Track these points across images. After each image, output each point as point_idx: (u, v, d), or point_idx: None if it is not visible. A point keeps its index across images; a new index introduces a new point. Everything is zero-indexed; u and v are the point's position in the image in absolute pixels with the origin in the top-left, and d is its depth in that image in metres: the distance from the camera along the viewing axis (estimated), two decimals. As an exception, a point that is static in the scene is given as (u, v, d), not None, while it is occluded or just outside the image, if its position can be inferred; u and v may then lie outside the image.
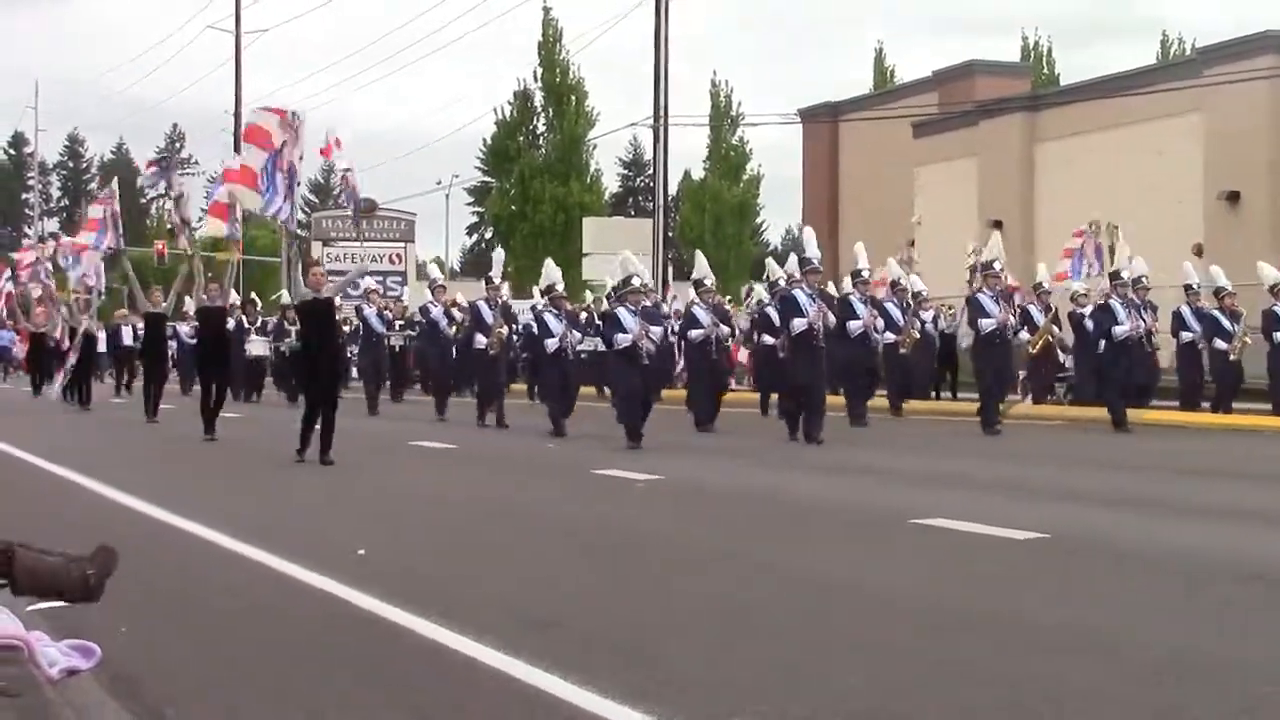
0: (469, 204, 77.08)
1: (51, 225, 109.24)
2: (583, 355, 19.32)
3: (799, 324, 16.75)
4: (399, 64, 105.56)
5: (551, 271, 19.53)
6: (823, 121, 45.64)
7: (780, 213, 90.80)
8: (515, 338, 23.36)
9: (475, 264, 71.02)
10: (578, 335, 19.26)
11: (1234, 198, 30.85)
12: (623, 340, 16.36)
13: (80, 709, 5.07)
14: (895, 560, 8.24)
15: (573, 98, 56.35)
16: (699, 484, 12.75)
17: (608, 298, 19.84)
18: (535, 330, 21.17)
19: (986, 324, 18.32)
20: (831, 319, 17.31)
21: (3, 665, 5.40)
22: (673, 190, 56.94)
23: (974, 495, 11.50)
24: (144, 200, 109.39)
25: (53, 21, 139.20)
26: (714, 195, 57.71)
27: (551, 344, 18.57)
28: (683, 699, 4.98)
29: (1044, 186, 36.73)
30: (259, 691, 5.29)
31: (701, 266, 20.10)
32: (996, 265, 19.56)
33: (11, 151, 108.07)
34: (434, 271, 26.34)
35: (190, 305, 24.20)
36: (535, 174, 55.50)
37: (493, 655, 5.65)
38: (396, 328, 27.28)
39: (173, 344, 27.75)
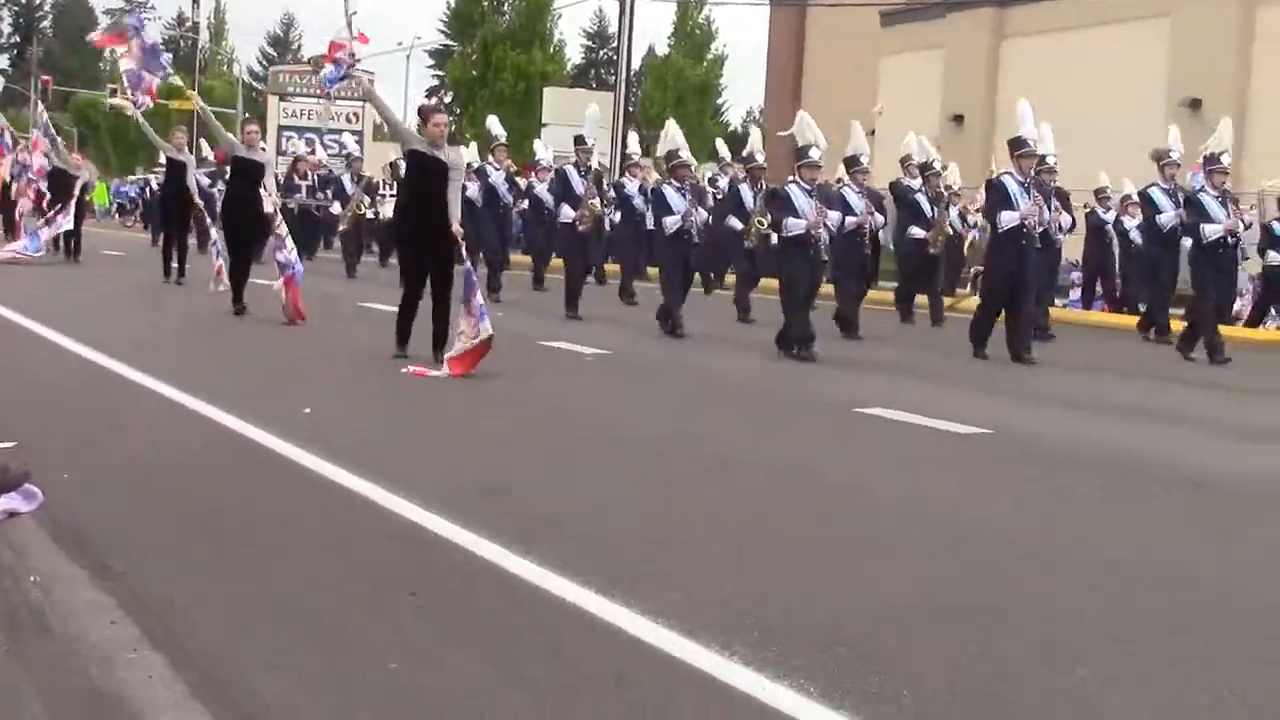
0: (429, 67, 76.19)
1: (2, 62, 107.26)
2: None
3: (1010, 218, 14.18)
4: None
5: (675, 134, 16.06)
6: (791, 4, 45.22)
7: (741, 94, 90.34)
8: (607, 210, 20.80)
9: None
10: (703, 213, 15.85)
11: (1195, 105, 30.83)
12: (795, 226, 13.45)
13: (19, 549, 5.06)
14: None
15: (540, -36, 55.61)
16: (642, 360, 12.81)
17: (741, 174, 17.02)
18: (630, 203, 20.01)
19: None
20: (1065, 218, 15.53)
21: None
22: (636, 65, 56.44)
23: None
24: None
25: None
26: (677, 72, 57.30)
27: (671, 223, 15.16)
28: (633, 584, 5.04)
29: (1007, 83, 36.58)
30: (211, 549, 5.20)
31: (858, 141, 17.01)
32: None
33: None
34: (495, 128, 21.87)
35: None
36: (498, 40, 54.92)
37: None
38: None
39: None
